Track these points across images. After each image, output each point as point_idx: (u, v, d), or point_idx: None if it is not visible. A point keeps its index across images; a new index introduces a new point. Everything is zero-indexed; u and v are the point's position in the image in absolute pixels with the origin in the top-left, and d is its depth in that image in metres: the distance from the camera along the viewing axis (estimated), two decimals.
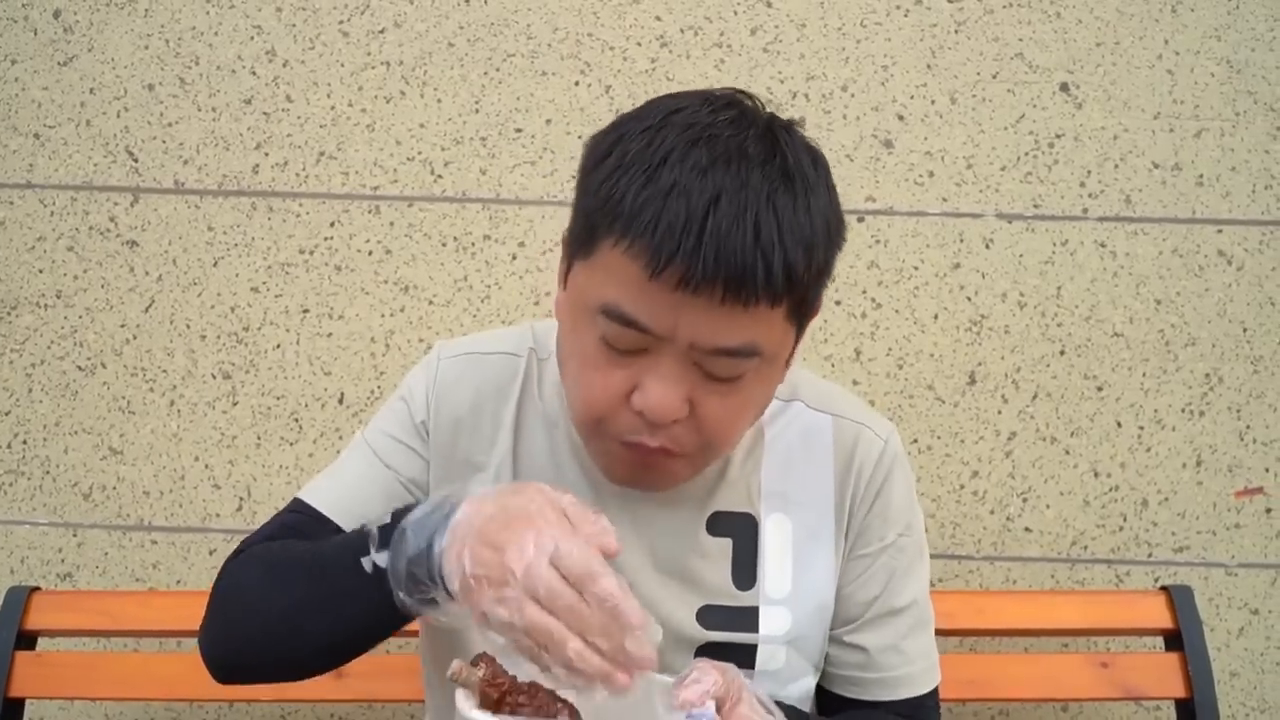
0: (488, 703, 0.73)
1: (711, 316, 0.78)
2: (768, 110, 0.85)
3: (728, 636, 0.94)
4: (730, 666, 0.78)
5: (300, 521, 0.96)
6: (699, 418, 0.83)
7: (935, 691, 1.00)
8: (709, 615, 0.95)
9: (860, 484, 0.98)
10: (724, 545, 0.96)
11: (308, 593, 0.84)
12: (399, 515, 0.79)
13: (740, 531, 0.97)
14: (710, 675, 0.75)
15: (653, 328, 0.79)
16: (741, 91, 0.86)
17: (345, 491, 0.97)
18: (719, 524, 0.97)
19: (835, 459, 0.98)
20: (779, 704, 0.83)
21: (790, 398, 1.01)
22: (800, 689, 0.97)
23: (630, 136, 0.81)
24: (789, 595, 0.96)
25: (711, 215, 0.75)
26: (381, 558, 0.77)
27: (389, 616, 0.79)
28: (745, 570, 0.96)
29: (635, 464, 0.86)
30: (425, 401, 0.99)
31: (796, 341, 0.88)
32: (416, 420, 0.99)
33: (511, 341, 1.02)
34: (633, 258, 0.77)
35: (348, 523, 0.94)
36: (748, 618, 0.95)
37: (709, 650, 0.94)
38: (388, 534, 0.78)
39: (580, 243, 0.83)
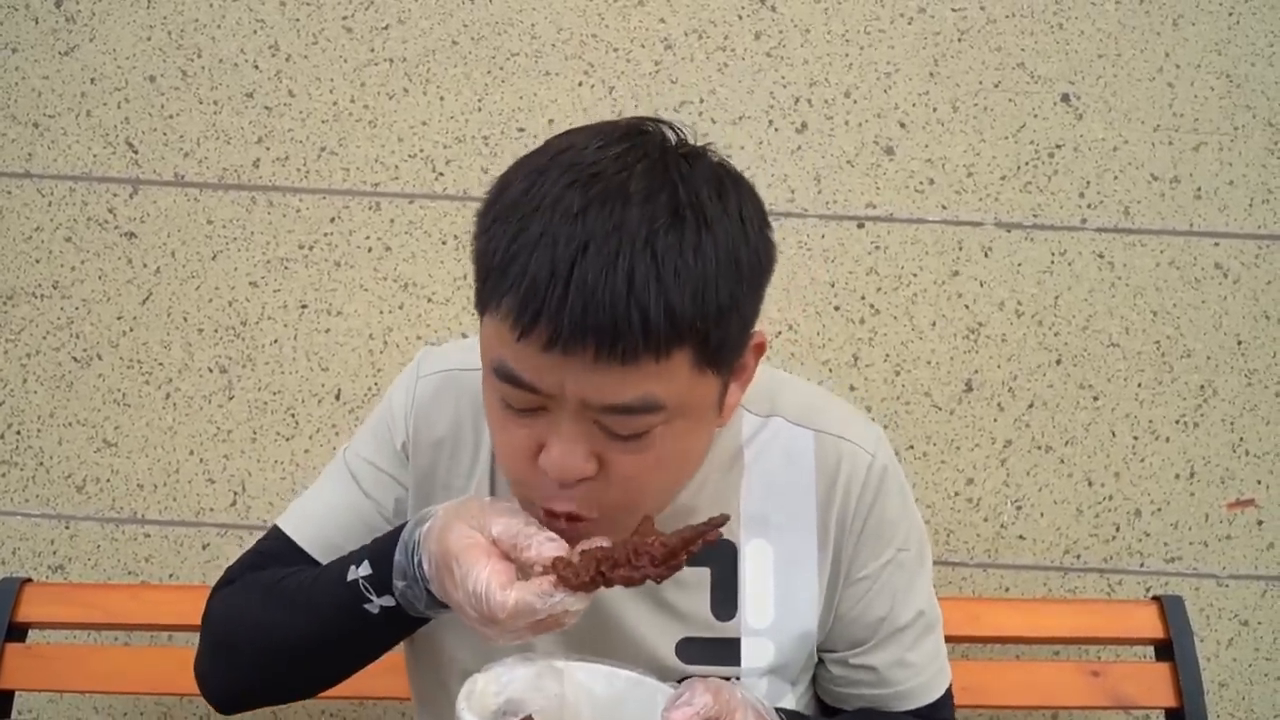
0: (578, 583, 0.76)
1: (592, 375, 0.72)
2: (678, 136, 0.80)
3: (708, 670, 0.89)
4: (724, 684, 0.76)
5: (279, 550, 0.96)
6: (611, 476, 0.77)
7: (949, 691, 0.99)
8: (689, 648, 0.92)
9: (849, 505, 0.93)
10: (702, 575, 0.92)
11: (312, 633, 0.88)
12: (381, 551, 0.84)
13: (719, 559, 0.92)
14: (702, 698, 0.74)
15: (540, 387, 0.74)
16: (652, 119, 0.81)
17: (324, 524, 0.97)
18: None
19: (818, 479, 0.93)
20: (781, 710, 0.83)
21: (769, 413, 0.95)
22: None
23: (515, 181, 0.77)
24: (771, 625, 0.93)
25: (578, 265, 0.70)
26: (386, 600, 0.82)
27: (390, 644, 0.90)
28: (725, 600, 0.92)
29: (558, 529, 0.80)
30: (404, 424, 0.97)
31: (726, 387, 0.82)
32: (398, 444, 0.97)
33: None
34: (502, 318, 0.73)
35: (325, 556, 0.94)
36: (729, 650, 0.92)
37: None
38: (382, 578, 0.83)
39: (476, 297, 0.79)
